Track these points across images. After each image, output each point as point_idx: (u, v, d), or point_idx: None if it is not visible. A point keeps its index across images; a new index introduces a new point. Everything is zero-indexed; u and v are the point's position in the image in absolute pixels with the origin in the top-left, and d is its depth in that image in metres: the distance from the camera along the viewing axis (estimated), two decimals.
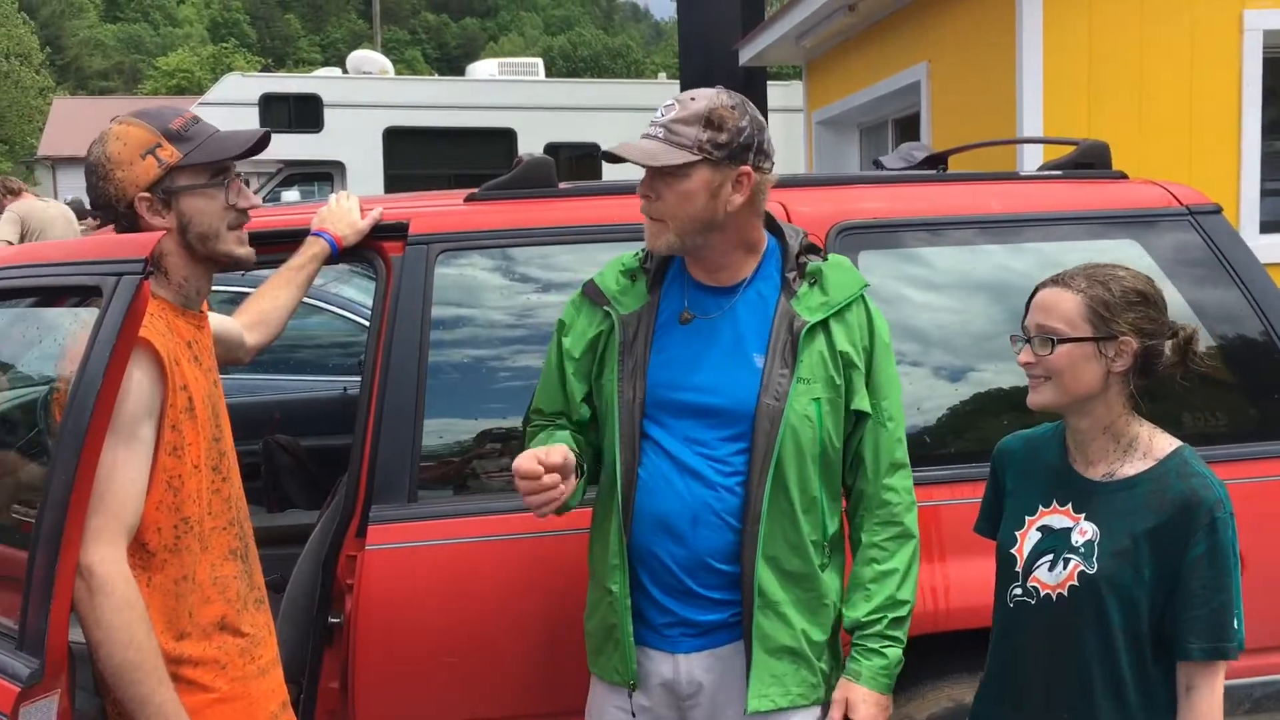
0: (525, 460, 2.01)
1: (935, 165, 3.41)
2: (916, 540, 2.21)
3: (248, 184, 2.22)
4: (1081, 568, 2.01)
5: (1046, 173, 3.23)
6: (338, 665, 2.55)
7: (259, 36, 60.50)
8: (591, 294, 2.24)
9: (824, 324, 2.14)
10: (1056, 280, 2.06)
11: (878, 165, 3.53)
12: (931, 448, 2.73)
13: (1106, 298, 1.99)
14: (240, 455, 2.18)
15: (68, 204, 10.39)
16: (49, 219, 8.90)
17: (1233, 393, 2.90)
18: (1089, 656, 2.00)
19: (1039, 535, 2.09)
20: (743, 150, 2.06)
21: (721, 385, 2.13)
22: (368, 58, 16.41)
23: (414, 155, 14.44)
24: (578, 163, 14.21)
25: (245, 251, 2.12)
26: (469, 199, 2.84)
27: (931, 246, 2.88)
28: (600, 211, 2.80)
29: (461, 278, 2.74)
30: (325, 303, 5.72)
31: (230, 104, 13.81)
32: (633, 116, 10.17)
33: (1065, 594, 2.02)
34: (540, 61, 17.52)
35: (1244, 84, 6.25)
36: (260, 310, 2.61)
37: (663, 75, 28.56)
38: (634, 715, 2.19)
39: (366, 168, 14.36)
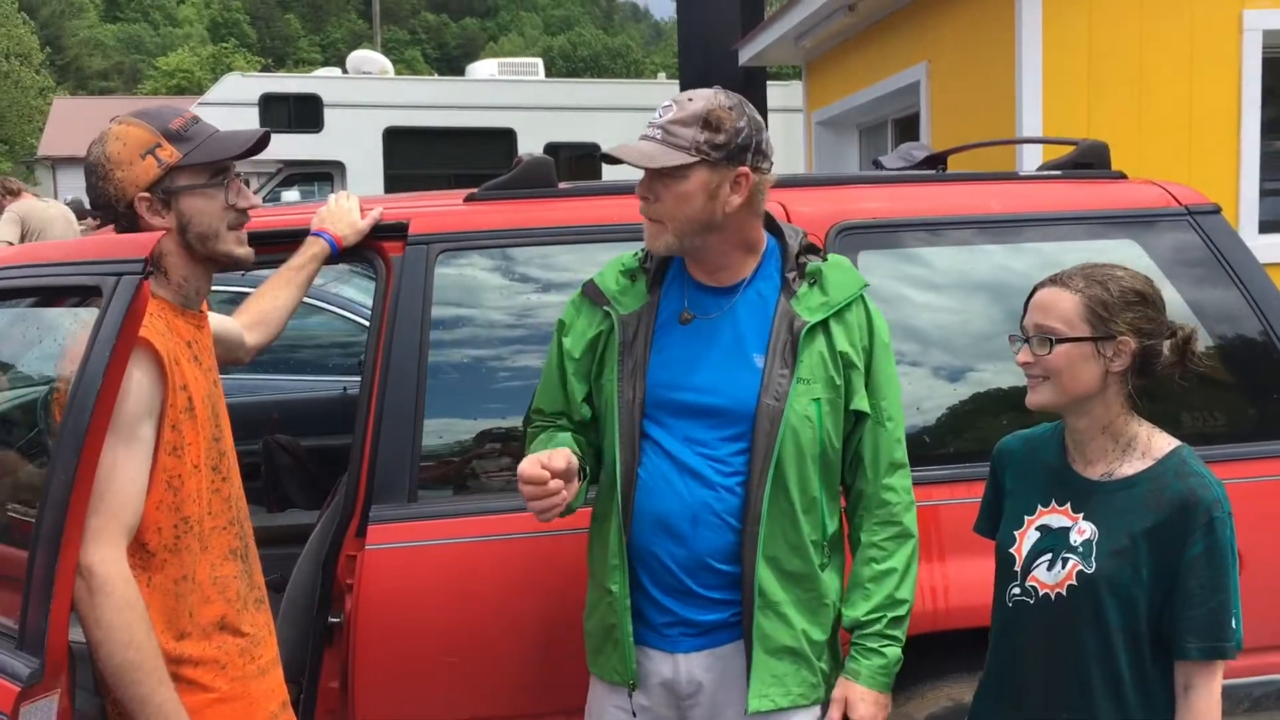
0: (529, 465, 2.01)
1: (934, 165, 3.41)
2: (915, 540, 2.21)
3: (247, 184, 2.22)
4: (1080, 567, 2.01)
5: (1046, 173, 3.23)
6: (338, 665, 2.55)
7: (259, 36, 60.49)
8: (591, 294, 2.25)
9: (824, 324, 2.14)
10: (1055, 280, 2.06)
11: (877, 165, 3.53)
12: (931, 447, 2.73)
13: (1105, 297, 1.99)
14: (240, 455, 2.18)
15: (67, 204, 10.39)
16: (48, 219, 8.90)
17: (1231, 392, 2.90)
18: (1087, 656, 2.01)
19: (1038, 535, 2.09)
20: (740, 151, 2.06)
21: (721, 385, 2.13)
22: (368, 58, 16.41)
23: (414, 155, 14.44)
24: (577, 163, 14.20)
25: (244, 251, 2.12)
26: (469, 199, 2.84)
27: (931, 246, 2.89)
28: (600, 211, 2.80)
29: (461, 278, 2.74)
30: (325, 303, 5.73)
31: (230, 104, 13.81)
32: (632, 116, 10.19)
33: (1064, 593, 2.02)
34: (540, 61, 17.52)
35: (1243, 84, 6.25)
36: (260, 310, 2.61)
37: (662, 75, 28.55)
38: (634, 715, 2.19)
39: (366, 168, 14.36)
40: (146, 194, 2.01)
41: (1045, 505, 2.10)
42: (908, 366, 2.71)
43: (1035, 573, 2.07)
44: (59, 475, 1.77)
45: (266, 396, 5.01)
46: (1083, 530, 2.03)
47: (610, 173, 10.94)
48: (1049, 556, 2.06)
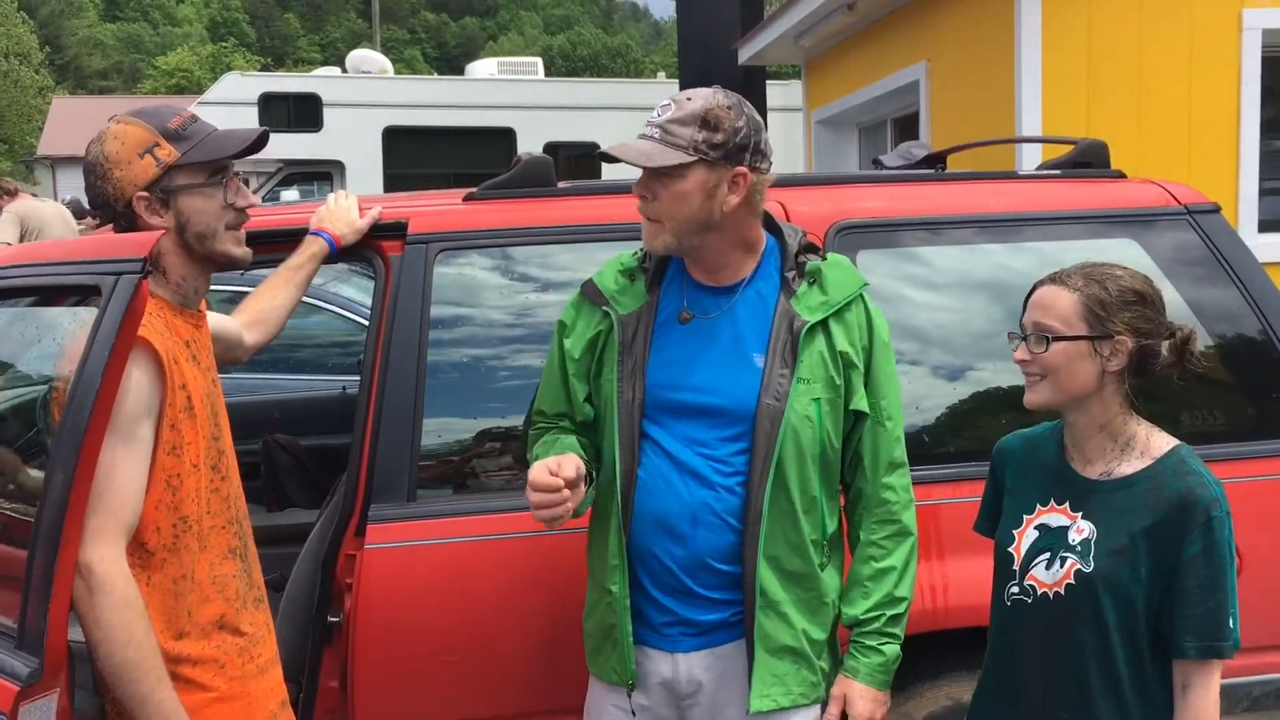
0: (540, 473, 2.00)
1: (934, 164, 3.41)
2: (914, 538, 2.21)
3: (247, 183, 2.22)
4: (1078, 566, 2.01)
5: (1045, 172, 3.23)
6: (337, 664, 2.55)
7: (258, 36, 60.48)
8: (590, 294, 2.24)
9: (824, 324, 2.14)
10: (1054, 278, 2.06)
11: (877, 164, 3.53)
12: (930, 446, 2.73)
13: (1103, 296, 1.99)
14: (240, 454, 2.18)
15: (65, 204, 10.38)
16: (46, 219, 8.89)
17: (1231, 392, 2.90)
18: (1086, 655, 2.01)
19: (1036, 534, 2.09)
20: (739, 151, 2.06)
21: (721, 385, 2.13)
22: (367, 57, 16.41)
23: (413, 154, 14.44)
24: (577, 162, 14.20)
25: (242, 251, 2.11)
26: (468, 198, 2.84)
27: (930, 246, 2.89)
28: (599, 211, 2.80)
29: (460, 277, 2.74)
30: (324, 302, 5.73)
31: (229, 103, 13.81)
32: (632, 116, 10.17)
33: (1062, 592, 2.02)
34: (539, 61, 17.52)
35: (1243, 83, 6.25)
36: (259, 309, 2.61)
37: (662, 75, 28.55)
38: (633, 715, 2.19)
39: (366, 167, 14.36)
40: (145, 193, 2.01)
41: (1044, 504, 2.10)
42: (907, 366, 2.71)
43: (1034, 572, 2.07)
44: (58, 474, 1.77)
45: (266, 396, 5.01)
46: (1081, 529, 2.03)
47: (609, 172, 10.94)
48: (1047, 555, 2.06)
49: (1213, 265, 2.89)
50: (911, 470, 2.25)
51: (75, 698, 1.93)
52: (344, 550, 2.54)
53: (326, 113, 14.44)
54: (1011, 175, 3.37)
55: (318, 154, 14.34)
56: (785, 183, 2.69)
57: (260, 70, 37.21)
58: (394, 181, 14.12)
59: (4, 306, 2.12)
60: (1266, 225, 6.40)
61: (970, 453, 2.65)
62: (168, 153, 2.01)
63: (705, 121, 2.04)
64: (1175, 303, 2.70)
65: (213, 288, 2.24)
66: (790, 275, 2.18)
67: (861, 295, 2.21)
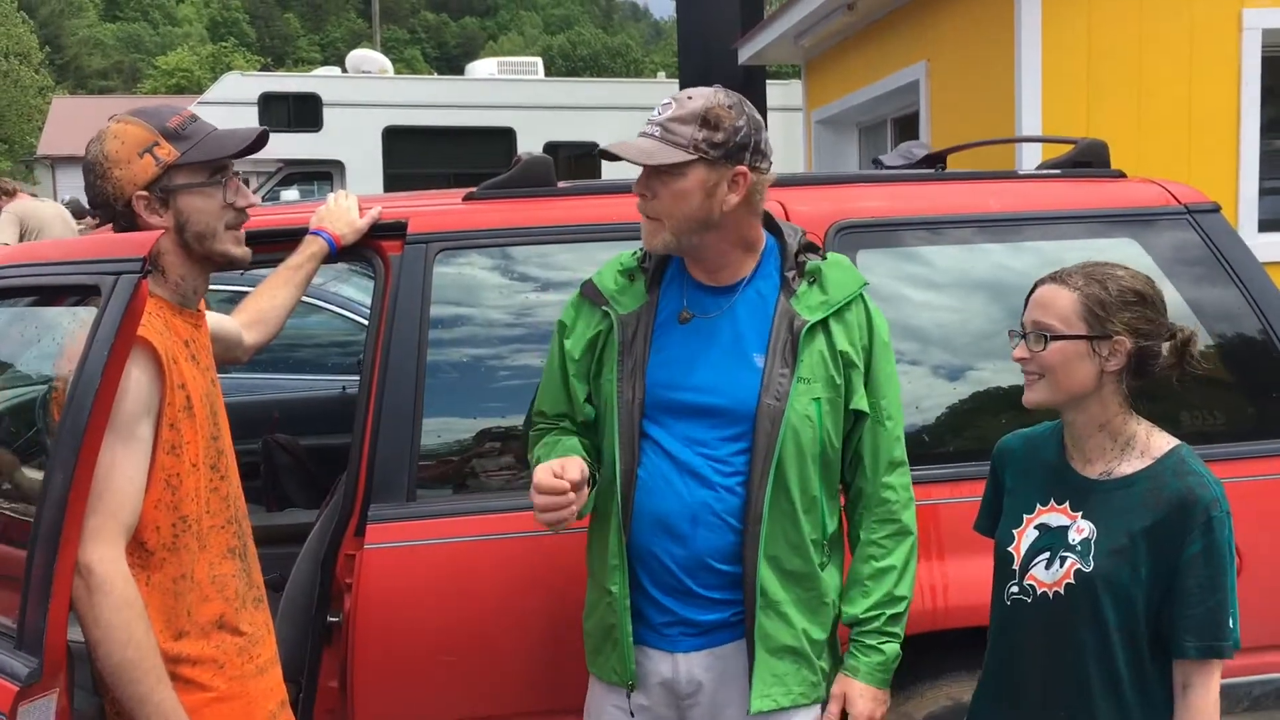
0: (546, 477, 2.00)
1: (933, 164, 3.41)
2: (914, 537, 2.21)
3: (247, 183, 2.22)
4: (1078, 566, 2.01)
5: (1045, 171, 3.23)
6: (336, 664, 2.55)
7: (258, 36, 60.49)
8: (590, 294, 2.24)
9: (824, 323, 2.14)
10: (1055, 277, 2.06)
11: (877, 164, 3.53)
12: (930, 446, 2.73)
13: (1102, 296, 1.99)
14: (239, 454, 2.18)
15: (65, 204, 10.38)
16: (46, 219, 8.89)
17: (1231, 391, 2.90)
18: (1085, 654, 2.00)
19: (1036, 533, 2.09)
20: (739, 150, 2.06)
21: (721, 385, 2.12)
22: (367, 57, 16.41)
23: (413, 154, 14.44)
24: (577, 162, 14.20)
25: (242, 251, 2.11)
26: (467, 198, 2.83)
27: (930, 245, 2.88)
28: (599, 210, 2.80)
29: (460, 277, 2.74)
30: (324, 302, 5.72)
31: (229, 103, 13.81)
32: (632, 115, 10.16)
33: (1061, 592, 2.02)
34: (539, 61, 17.52)
35: (1243, 83, 6.25)
36: (259, 309, 2.61)
37: (662, 74, 28.54)
38: (632, 715, 2.19)
39: (366, 167, 14.36)
40: (144, 192, 2.01)
41: (1044, 504, 2.10)
42: (907, 365, 2.71)
43: (1033, 571, 2.07)
44: (57, 474, 1.77)
45: (266, 396, 5.01)
46: (1081, 529, 2.03)
47: (610, 171, 10.94)
48: (1047, 555, 2.06)
49: (1213, 265, 2.88)
50: (911, 470, 2.25)
51: (75, 698, 1.93)
52: (343, 550, 2.54)
53: (326, 112, 14.44)
54: (1011, 175, 3.37)
55: (318, 154, 14.34)
56: (785, 182, 2.69)
57: (260, 70, 37.20)
58: (394, 181, 14.12)
59: (4, 306, 2.12)
60: (1266, 225, 6.40)
61: (970, 452, 2.65)
62: (167, 152, 2.01)
63: (706, 120, 2.04)
64: (1175, 302, 2.70)
65: (212, 287, 2.24)
66: (790, 275, 2.18)
67: (861, 295, 2.20)
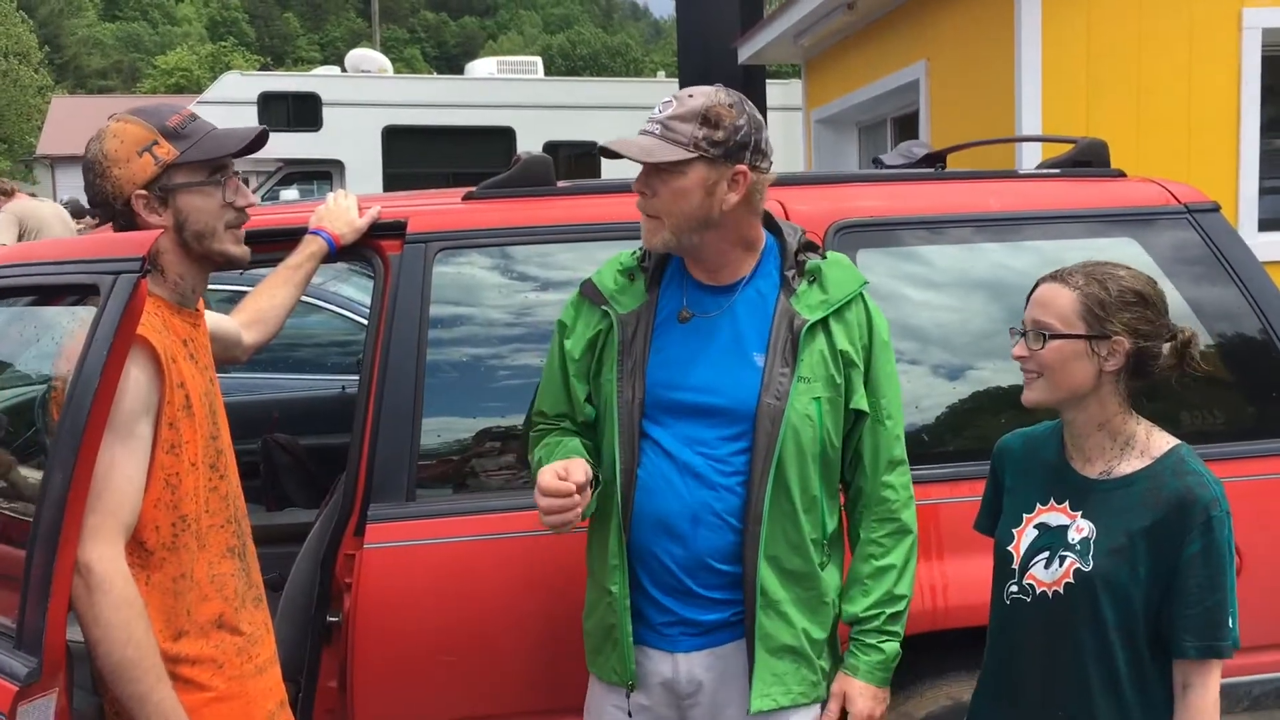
0: (550, 479, 2.00)
1: (933, 164, 3.41)
2: (914, 536, 2.21)
3: (246, 183, 2.22)
4: (1077, 565, 2.01)
5: (1044, 171, 3.22)
6: (336, 664, 2.55)
7: (258, 35, 60.50)
8: (589, 294, 2.24)
9: (824, 322, 2.14)
10: (1056, 276, 2.06)
11: (877, 163, 3.53)
12: (930, 446, 2.73)
13: (1102, 296, 1.99)
14: (239, 454, 2.18)
15: (63, 204, 10.37)
16: (45, 219, 8.88)
17: (1231, 391, 2.90)
18: (1085, 654, 2.00)
19: (1036, 533, 2.09)
20: (739, 149, 2.06)
21: (722, 384, 2.12)
22: (366, 56, 16.40)
23: (413, 154, 14.43)
24: (576, 161, 14.20)
25: (241, 250, 2.11)
26: (467, 197, 2.83)
27: (929, 245, 2.88)
28: (599, 210, 2.80)
29: (460, 276, 2.74)
30: (323, 301, 5.72)
31: (229, 102, 13.80)
32: (631, 115, 10.15)
33: (1061, 591, 2.02)
34: (539, 60, 17.51)
35: (1243, 82, 6.25)
36: (258, 309, 2.61)
37: (661, 74, 28.55)
38: (630, 715, 2.19)
39: (365, 166, 14.35)
40: (143, 191, 2.00)
41: (1044, 503, 2.10)
42: (907, 365, 2.71)
43: (1033, 571, 2.07)
44: (57, 473, 1.77)
45: (266, 395, 5.01)
46: (1081, 528, 2.03)
47: (610, 170, 10.94)
48: (1046, 554, 2.06)
49: (1212, 264, 2.88)
50: (911, 469, 2.24)
51: (74, 697, 1.93)
52: (343, 550, 2.53)
53: (326, 112, 14.43)
54: (1011, 174, 3.37)
55: (317, 153, 14.33)
56: (785, 182, 2.69)
57: (260, 69, 37.20)
58: (393, 181, 14.12)
59: (3, 306, 2.12)
60: (1266, 224, 6.40)
61: (970, 452, 2.65)
62: (166, 151, 2.01)
63: (706, 119, 2.04)
64: (1175, 302, 2.69)
65: (211, 287, 2.24)
66: (790, 274, 2.17)
67: (861, 294, 2.20)
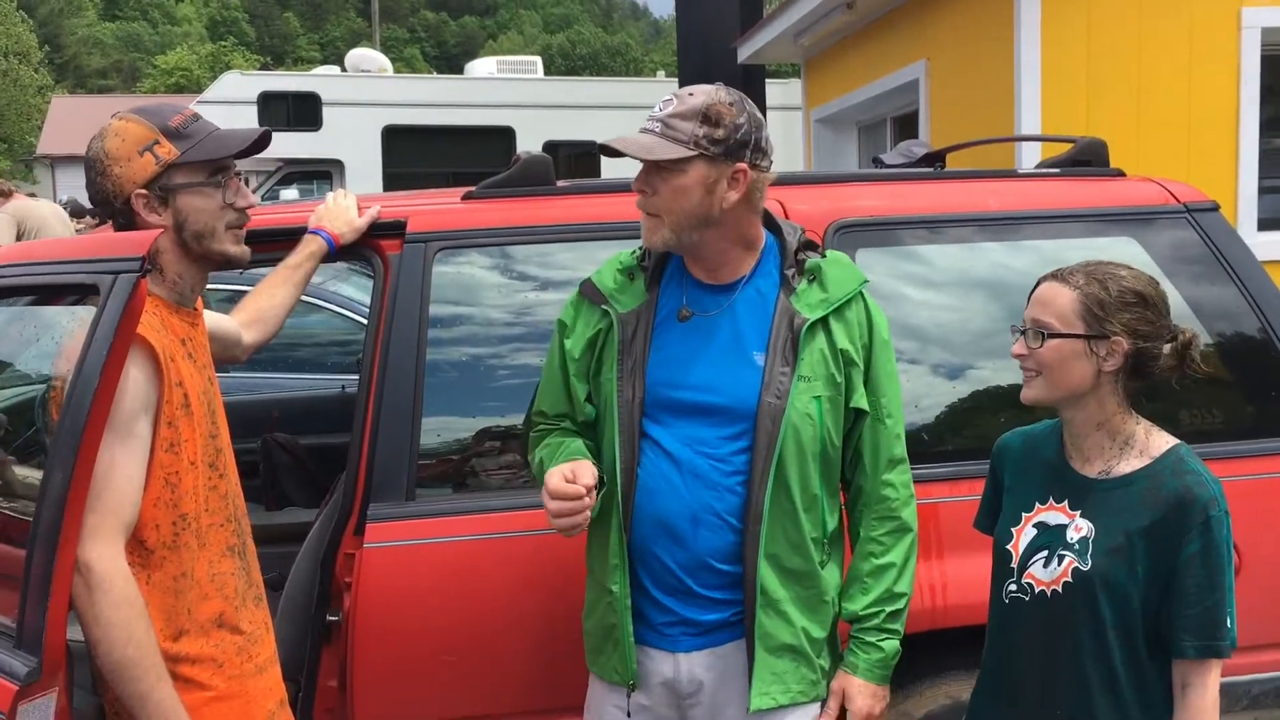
0: (558, 481, 2.00)
1: (933, 163, 3.41)
2: (914, 534, 2.21)
3: (246, 182, 2.21)
4: (1076, 564, 2.01)
5: (1044, 170, 3.23)
6: (336, 663, 2.55)
7: (257, 35, 60.49)
8: (589, 293, 2.24)
9: (824, 321, 2.14)
10: (1057, 275, 2.06)
11: (877, 163, 3.53)
12: (930, 445, 2.73)
13: (1102, 296, 1.99)
14: (239, 453, 2.18)
15: (62, 204, 10.36)
16: (43, 218, 8.87)
17: (1230, 390, 2.90)
18: (1083, 653, 2.00)
19: (1035, 532, 2.09)
20: (739, 147, 2.06)
21: (722, 384, 2.12)
22: (366, 56, 16.40)
23: (413, 153, 14.44)
24: (576, 161, 14.20)
25: (240, 251, 2.11)
26: (467, 197, 2.83)
27: (929, 244, 2.88)
28: (599, 209, 2.80)
29: (459, 276, 2.74)
30: (323, 301, 5.72)
31: (229, 102, 13.81)
32: (631, 114, 10.15)
33: (1059, 590, 2.02)
34: (539, 60, 17.51)
35: (1242, 81, 6.25)
36: (258, 308, 2.61)
37: (661, 73, 28.55)
38: (629, 715, 2.19)
39: (365, 166, 14.36)
40: (143, 191, 2.01)
41: (1043, 502, 2.10)
42: (906, 364, 2.71)
43: (1031, 569, 2.07)
44: (56, 473, 1.77)
45: (265, 395, 5.01)
46: (1079, 528, 2.03)
47: (610, 168, 10.93)
48: (1045, 553, 2.06)
49: (1212, 264, 2.88)
50: (911, 468, 2.24)
51: (74, 697, 1.93)
52: (343, 549, 2.53)
53: (326, 112, 14.44)
54: (1011, 174, 3.37)
55: (317, 153, 14.33)
56: (784, 181, 2.69)
57: (259, 69, 37.20)
58: (393, 180, 14.12)
59: (3, 306, 2.12)
60: (1266, 223, 6.40)
61: (969, 451, 2.65)
62: (167, 151, 2.01)
63: (706, 117, 2.04)
64: (1174, 301, 2.69)
65: (211, 286, 2.24)
66: (790, 273, 2.17)
67: (861, 293, 2.20)
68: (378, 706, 2.50)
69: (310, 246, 2.65)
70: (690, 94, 2.08)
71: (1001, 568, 2.14)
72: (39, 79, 40.06)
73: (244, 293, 2.71)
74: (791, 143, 10.82)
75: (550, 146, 13.50)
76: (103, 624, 1.82)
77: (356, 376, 3.03)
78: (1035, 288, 2.09)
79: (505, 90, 15.07)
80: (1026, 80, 6.17)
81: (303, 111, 14.37)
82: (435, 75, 28.98)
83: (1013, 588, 2.10)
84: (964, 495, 2.52)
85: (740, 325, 2.15)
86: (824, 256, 2.22)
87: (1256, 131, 6.30)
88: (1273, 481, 2.78)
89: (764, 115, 2.21)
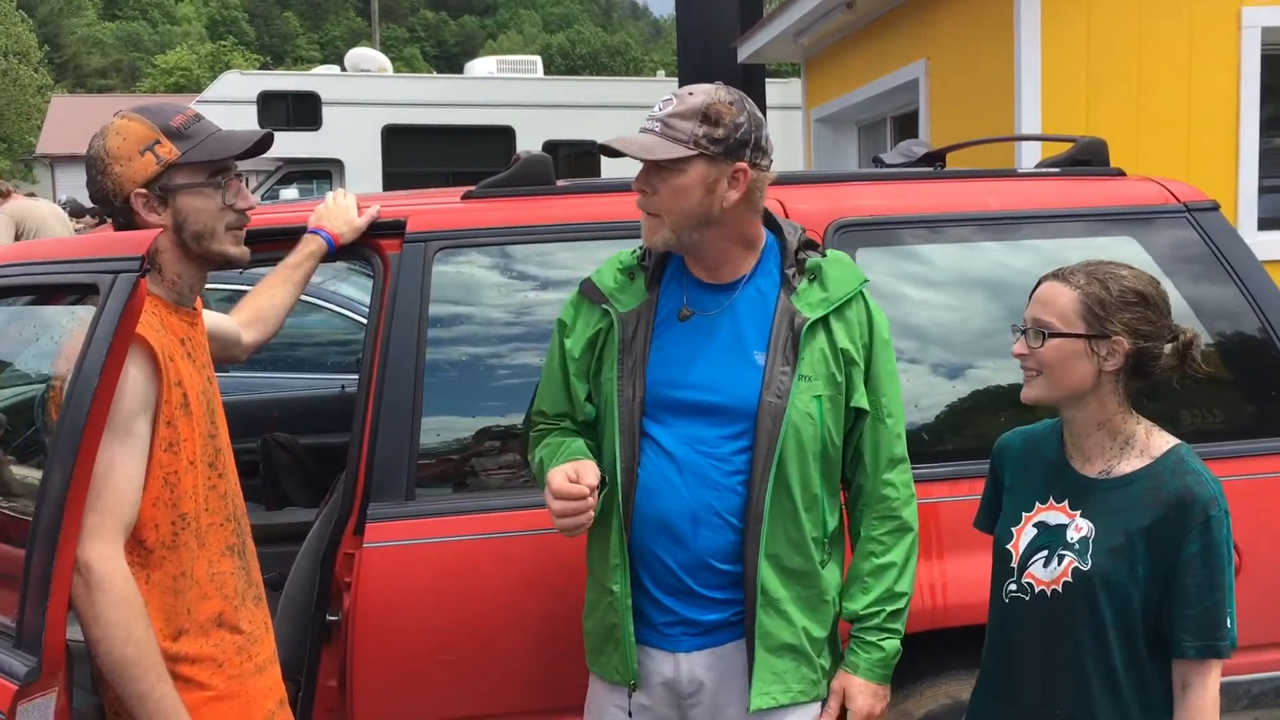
0: (561, 481, 2.00)
1: (933, 163, 3.41)
2: (915, 533, 2.21)
3: (246, 183, 2.21)
4: (1076, 564, 2.01)
5: (1044, 170, 3.23)
6: (335, 663, 2.55)
7: (257, 34, 60.49)
8: (589, 293, 2.24)
9: (824, 321, 2.14)
10: (1058, 274, 2.06)
11: (877, 162, 3.53)
12: (930, 444, 2.73)
13: (1103, 296, 1.99)
14: (239, 453, 2.18)
15: (62, 204, 10.36)
16: (42, 218, 8.87)
17: (1230, 390, 2.90)
18: (1083, 652, 2.00)
19: (1035, 531, 2.09)
20: (739, 146, 2.06)
21: (722, 383, 2.12)
22: (366, 55, 16.39)
23: (412, 153, 14.42)
24: (576, 160, 14.20)
25: (239, 251, 2.11)
26: (466, 197, 2.83)
27: (929, 244, 2.88)
28: (598, 209, 2.80)
29: (459, 275, 2.74)
30: (323, 300, 5.72)
31: (228, 102, 13.80)
32: (631, 114, 10.14)
33: (1059, 590, 2.02)
34: (539, 59, 17.50)
35: (1242, 81, 6.25)
36: (257, 308, 2.61)
37: (661, 73, 28.55)
38: (630, 715, 2.18)
39: (365, 165, 14.34)
40: (143, 190, 2.00)
41: (1043, 502, 2.10)
42: (906, 364, 2.71)
43: (1031, 569, 2.07)
44: (56, 473, 1.77)
45: (265, 394, 5.01)
46: (1080, 527, 2.03)
47: (609, 168, 10.93)
48: (1045, 553, 2.05)
49: (1212, 263, 2.88)
50: (911, 468, 2.24)
51: (74, 697, 1.93)
52: (343, 549, 2.53)
53: (326, 111, 14.42)
54: (1010, 173, 3.37)
55: (317, 152, 14.31)
56: (784, 181, 2.69)
57: (259, 69, 37.19)
58: (393, 180, 14.11)
59: (3, 305, 2.12)
60: (1266, 223, 6.40)
61: (970, 450, 2.65)
62: (168, 150, 2.01)
63: (706, 116, 2.04)
64: (1174, 301, 2.69)
65: (211, 286, 2.24)
66: (790, 272, 2.17)
67: (862, 292, 2.20)
68: (377, 706, 2.50)
69: (310, 246, 2.65)
70: (690, 93, 2.08)
71: (1001, 567, 2.14)
72: (39, 78, 40.08)
73: (244, 293, 2.71)
74: (791, 142, 10.82)
75: (550, 146, 13.49)
76: (102, 623, 1.82)
77: (356, 376, 3.03)
78: (1036, 287, 2.09)
79: (505, 90, 15.06)
80: (1026, 80, 6.17)
81: (302, 111, 14.36)
82: (435, 75, 28.97)
83: (1013, 587, 2.10)
84: (964, 495, 2.52)
85: (741, 325, 2.15)
86: (824, 256, 2.22)
87: (1256, 131, 6.30)
88: (1272, 481, 2.78)
89: (764, 115, 2.21)
